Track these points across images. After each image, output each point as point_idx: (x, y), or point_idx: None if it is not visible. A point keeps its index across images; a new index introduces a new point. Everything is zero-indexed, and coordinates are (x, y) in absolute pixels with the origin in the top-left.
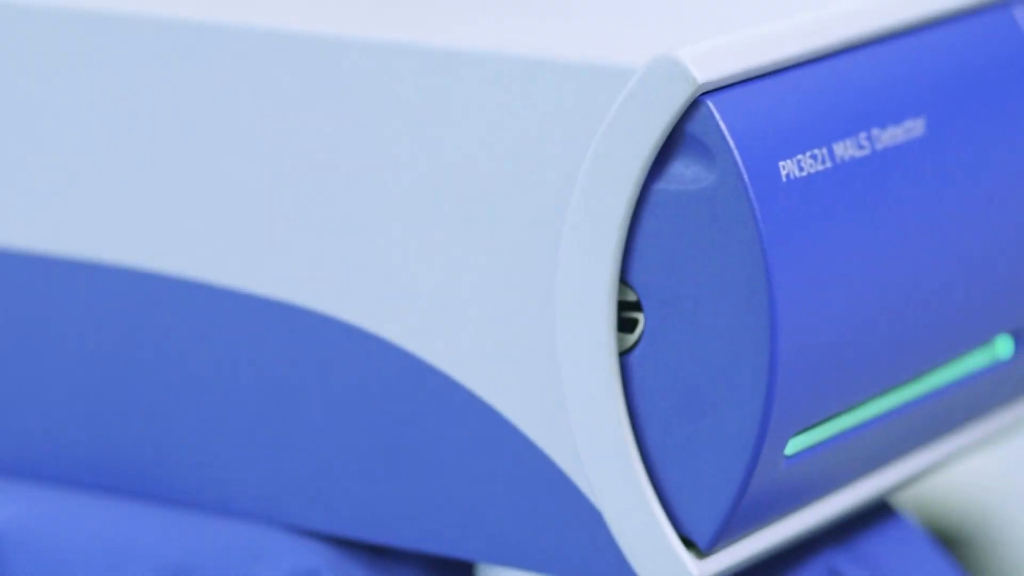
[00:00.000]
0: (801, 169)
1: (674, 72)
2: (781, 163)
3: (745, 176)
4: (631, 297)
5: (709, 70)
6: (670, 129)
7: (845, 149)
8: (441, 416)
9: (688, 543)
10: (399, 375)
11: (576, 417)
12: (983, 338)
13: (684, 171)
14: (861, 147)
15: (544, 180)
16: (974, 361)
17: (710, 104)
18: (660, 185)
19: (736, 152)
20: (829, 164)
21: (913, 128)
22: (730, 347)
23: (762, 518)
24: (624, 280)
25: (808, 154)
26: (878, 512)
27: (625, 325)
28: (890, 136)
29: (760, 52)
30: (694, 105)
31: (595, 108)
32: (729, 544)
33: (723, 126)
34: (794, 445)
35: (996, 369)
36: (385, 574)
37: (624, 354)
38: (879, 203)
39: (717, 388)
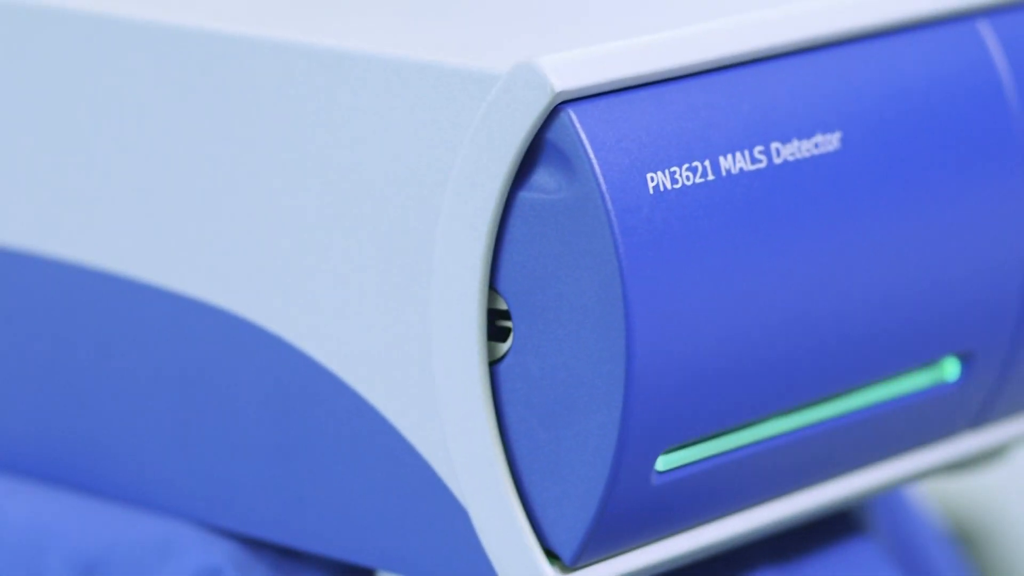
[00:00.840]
0: (675, 181)
1: (533, 80)
2: (649, 175)
3: (603, 186)
4: (504, 306)
5: (569, 79)
6: (531, 137)
7: (733, 162)
8: (328, 416)
9: (553, 556)
10: (290, 372)
11: (448, 424)
12: (922, 359)
13: (547, 180)
14: (756, 160)
15: (421, 182)
16: (913, 383)
17: (571, 113)
18: (525, 193)
19: (595, 162)
20: (712, 177)
21: (825, 143)
22: (589, 359)
23: (635, 536)
24: (496, 288)
25: (686, 166)
26: (836, 530)
27: (500, 334)
28: (795, 150)
29: (631, 63)
30: (555, 114)
31: (464, 112)
32: (598, 560)
33: (583, 136)
34: (667, 462)
35: (941, 392)
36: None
37: (497, 363)
38: (778, 217)
39: (578, 400)
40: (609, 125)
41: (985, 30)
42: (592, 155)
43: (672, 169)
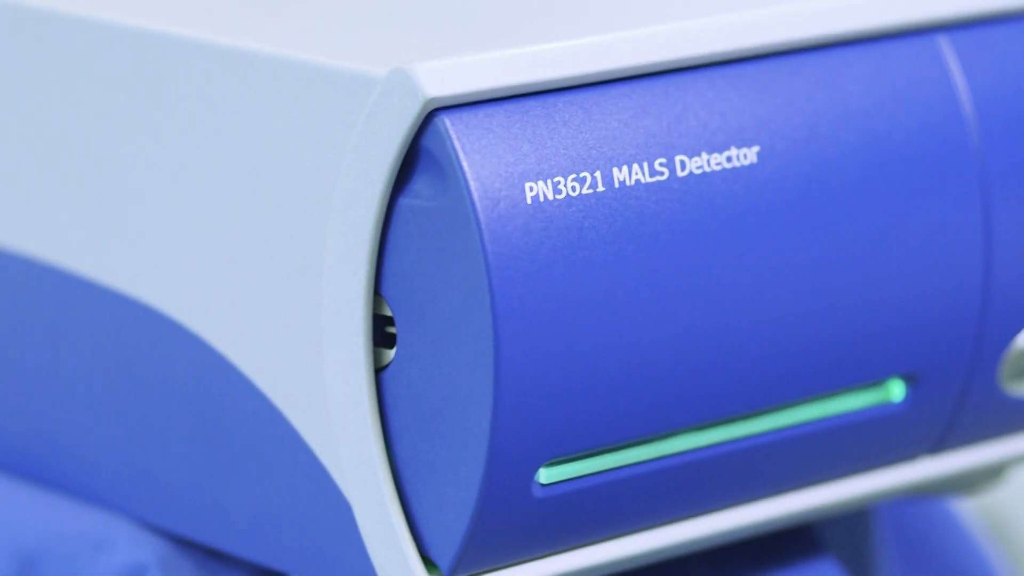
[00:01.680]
0: (558, 191)
1: (406, 85)
2: (528, 184)
3: (473, 194)
4: (391, 312)
5: (443, 86)
6: (408, 143)
7: (629, 174)
8: (237, 414)
9: (433, 565)
10: (205, 370)
11: (337, 427)
12: (859, 379)
13: (424, 187)
14: (656, 173)
15: (312, 182)
16: (855, 403)
17: (446, 120)
18: (405, 199)
19: (466, 169)
20: (603, 188)
21: (740, 157)
22: (461, 369)
23: (520, 550)
24: (382, 295)
25: (572, 177)
26: (797, 546)
27: (390, 340)
28: (703, 163)
29: (513, 72)
30: (430, 120)
31: (350, 115)
32: (481, 573)
33: (456, 143)
34: (551, 475)
35: (887, 414)
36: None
37: (383, 369)
38: (681, 229)
39: (453, 410)
40: (486, 133)
41: (944, 46)
42: (464, 163)
43: (556, 179)
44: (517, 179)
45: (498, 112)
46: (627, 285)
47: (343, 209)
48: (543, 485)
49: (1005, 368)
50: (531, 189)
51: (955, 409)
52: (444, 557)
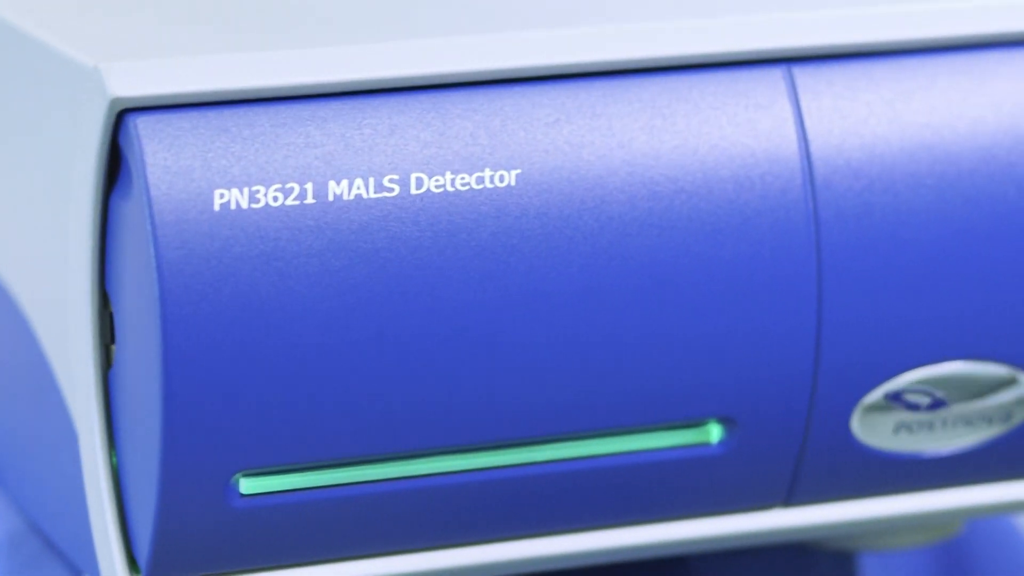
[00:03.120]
0: (256, 201)
1: (96, 83)
2: (219, 191)
3: (152, 197)
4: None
5: (131, 87)
6: (107, 141)
7: (349, 188)
8: (38, 396)
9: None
10: (20, 334)
11: (79, 425)
12: (654, 419)
13: (127, 186)
14: (385, 189)
15: (59, 164)
16: (662, 441)
17: (136, 122)
18: (115, 198)
19: (148, 172)
20: (313, 200)
21: (496, 179)
22: (144, 370)
23: (227, 559)
24: (108, 292)
25: (276, 187)
26: None
27: None
28: (446, 183)
29: (212, 78)
30: (123, 120)
31: (80, 104)
32: None
33: (141, 145)
34: (251, 486)
35: (702, 456)
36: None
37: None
38: (410, 247)
39: (143, 410)
40: (178, 138)
41: (776, 79)
42: (147, 165)
43: (255, 188)
44: (205, 185)
45: (195, 117)
46: (333, 301)
47: (73, 200)
48: (243, 495)
49: (865, 421)
50: (222, 196)
51: (797, 460)
52: (143, 558)
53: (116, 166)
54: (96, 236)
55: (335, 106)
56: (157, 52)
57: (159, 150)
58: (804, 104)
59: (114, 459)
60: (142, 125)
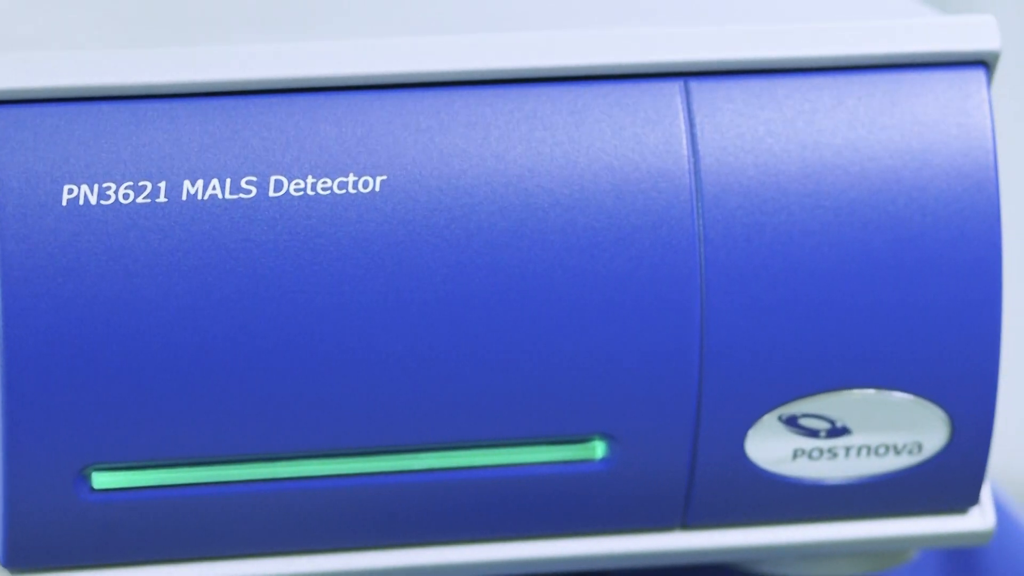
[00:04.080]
0: (106, 197)
1: None
2: (68, 186)
3: None
4: None
5: None
6: None
7: (204, 188)
8: None
9: None
10: None
11: None
12: (532, 432)
13: None
14: (242, 191)
15: None
16: (543, 456)
17: None
18: None
19: None
20: (165, 199)
21: (359, 184)
22: None
23: (82, 552)
24: None
25: (128, 185)
26: None
27: None
28: (306, 186)
29: (63, 74)
30: None
31: None
32: (43, 570)
33: None
34: (102, 481)
35: (586, 472)
36: None
37: None
38: (265, 247)
39: None
40: (30, 131)
41: (672, 93)
42: None
43: (106, 185)
44: (54, 180)
45: (47, 112)
46: (183, 300)
47: None
48: (95, 490)
49: (760, 445)
50: (71, 192)
51: (689, 480)
52: (1, 549)
53: None
54: None
55: (193, 105)
56: (11, 46)
57: (6, 142)
58: (698, 120)
59: None
60: None
